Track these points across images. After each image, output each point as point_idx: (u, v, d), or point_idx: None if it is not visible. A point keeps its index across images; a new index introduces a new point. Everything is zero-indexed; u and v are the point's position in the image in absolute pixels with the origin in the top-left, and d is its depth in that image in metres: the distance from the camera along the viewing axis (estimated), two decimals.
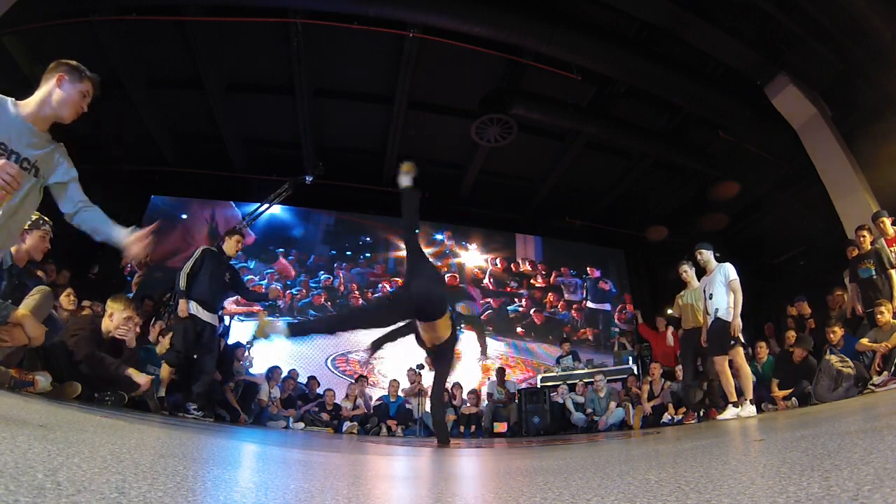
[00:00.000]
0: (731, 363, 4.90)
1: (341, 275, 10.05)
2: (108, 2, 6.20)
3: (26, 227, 3.45)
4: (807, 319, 6.50)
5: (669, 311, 7.19)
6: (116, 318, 3.89)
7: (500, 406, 7.59)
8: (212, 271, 4.87)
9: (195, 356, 4.80)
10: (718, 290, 4.82)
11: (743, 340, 4.76)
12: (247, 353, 6.87)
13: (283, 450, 2.30)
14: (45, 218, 3.57)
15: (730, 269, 4.82)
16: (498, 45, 6.69)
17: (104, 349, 3.80)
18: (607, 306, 11.30)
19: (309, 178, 7.56)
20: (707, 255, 5.07)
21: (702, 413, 5.43)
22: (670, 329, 7.05)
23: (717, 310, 4.79)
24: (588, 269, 11.45)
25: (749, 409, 4.63)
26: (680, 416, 5.89)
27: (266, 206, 7.66)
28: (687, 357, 5.64)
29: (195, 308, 4.72)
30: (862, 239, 5.36)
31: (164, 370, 4.69)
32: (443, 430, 4.09)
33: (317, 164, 7.52)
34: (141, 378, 3.82)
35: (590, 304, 11.16)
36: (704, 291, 5.03)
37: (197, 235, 9.52)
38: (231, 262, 5.26)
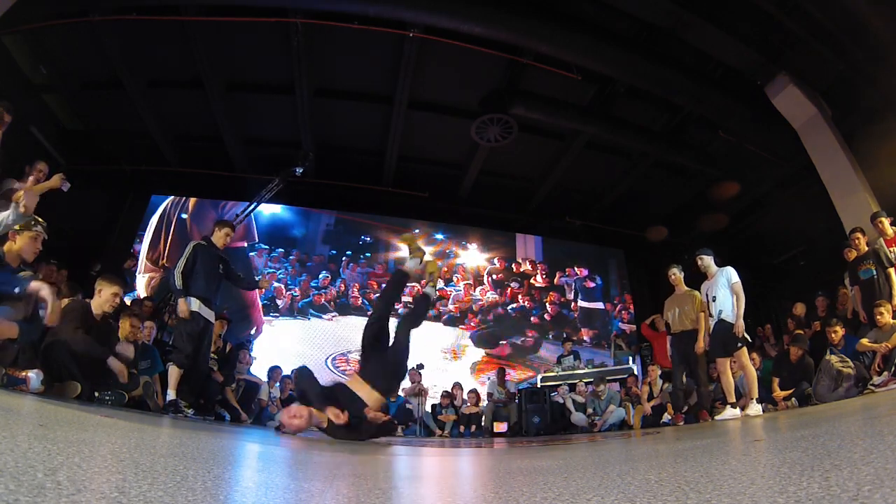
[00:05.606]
0: (734, 364, 4.92)
1: (345, 273, 10.05)
2: (108, 2, 6.20)
3: (17, 228, 3.42)
4: (813, 321, 6.48)
5: (655, 318, 7.26)
6: (104, 293, 3.92)
7: (500, 406, 7.59)
8: (206, 265, 4.67)
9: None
10: (722, 293, 4.88)
11: (749, 339, 4.84)
12: (249, 355, 6.88)
13: (283, 449, 2.30)
14: (38, 219, 3.53)
15: (732, 273, 4.91)
16: (498, 45, 6.69)
17: (94, 332, 3.82)
18: (600, 305, 11.27)
19: (298, 170, 7.48)
20: (707, 261, 5.14)
21: (696, 415, 5.43)
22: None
23: (720, 311, 4.85)
24: (576, 268, 11.41)
25: (755, 408, 4.67)
26: (669, 418, 5.90)
27: (256, 204, 7.62)
28: (676, 360, 5.67)
29: (198, 306, 4.52)
30: (856, 241, 5.37)
31: (173, 373, 4.41)
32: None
33: (305, 154, 7.42)
34: (116, 366, 3.82)
35: (581, 304, 11.14)
36: (707, 295, 5.09)
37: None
38: (221, 253, 4.94)
